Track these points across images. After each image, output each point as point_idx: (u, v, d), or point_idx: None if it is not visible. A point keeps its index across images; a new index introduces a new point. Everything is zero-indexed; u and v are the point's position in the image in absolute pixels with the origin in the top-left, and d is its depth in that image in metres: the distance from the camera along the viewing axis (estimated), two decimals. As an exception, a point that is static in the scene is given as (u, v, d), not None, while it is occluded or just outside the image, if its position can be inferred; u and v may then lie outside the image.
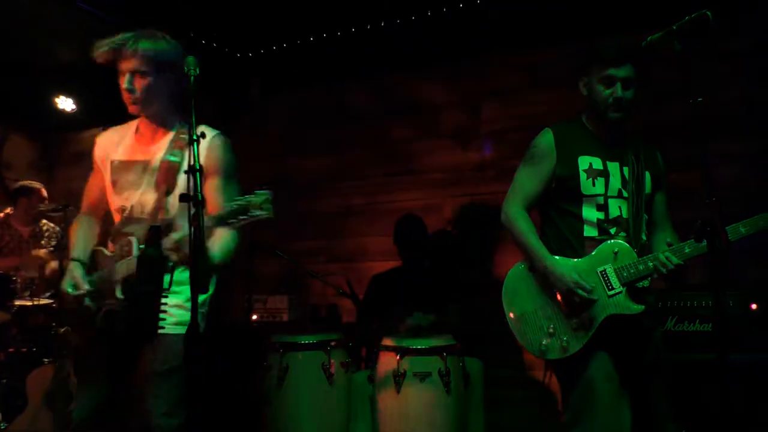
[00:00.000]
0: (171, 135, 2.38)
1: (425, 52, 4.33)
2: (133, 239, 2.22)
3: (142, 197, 2.33)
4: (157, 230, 1.89)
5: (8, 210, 4.66)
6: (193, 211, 1.83)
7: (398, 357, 3.11)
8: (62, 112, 5.09)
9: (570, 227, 2.44)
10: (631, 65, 2.38)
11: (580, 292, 2.30)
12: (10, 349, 3.87)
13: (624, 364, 2.33)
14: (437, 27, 4.07)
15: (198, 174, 1.86)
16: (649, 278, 2.36)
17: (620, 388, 2.31)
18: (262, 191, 1.96)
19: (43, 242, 4.61)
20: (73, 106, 5.08)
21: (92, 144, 2.50)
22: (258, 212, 1.93)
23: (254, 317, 4.27)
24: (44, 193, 4.72)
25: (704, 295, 2.99)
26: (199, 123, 1.98)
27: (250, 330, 4.16)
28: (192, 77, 1.99)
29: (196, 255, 1.81)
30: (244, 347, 3.95)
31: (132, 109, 2.34)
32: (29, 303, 4.08)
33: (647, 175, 2.45)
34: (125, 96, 2.33)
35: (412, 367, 3.09)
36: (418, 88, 4.52)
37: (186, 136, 2.30)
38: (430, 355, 3.12)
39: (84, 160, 5.82)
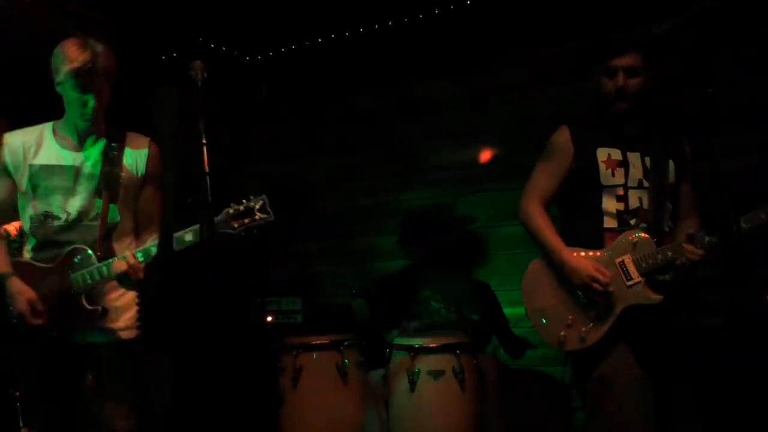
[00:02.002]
0: (102, 143, 2.36)
1: (432, 50, 4.33)
2: (86, 249, 2.22)
3: (78, 203, 2.29)
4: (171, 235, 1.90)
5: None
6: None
7: (411, 356, 3.11)
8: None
9: (590, 220, 2.44)
10: (635, 53, 2.38)
11: (595, 284, 2.30)
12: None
13: (645, 356, 2.32)
14: (444, 25, 4.07)
15: (207, 178, 1.87)
16: (673, 272, 2.34)
17: (641, 379, 2.29)
18: (257, 197, 2.01)
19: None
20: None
21: None
22: (259, 216, 1.97)
23: (268, 319, 4.29)
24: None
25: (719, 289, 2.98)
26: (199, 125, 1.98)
27: (264, 332, 4.18)
28: (199, 82, 2.01)
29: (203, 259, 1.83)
30: (258, 349, 3.96)
31: (90, 120, 2.30)
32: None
33: (670, 164, 2.44)
34: (91, 112, 2.28)
35: (426, 366, 3.09)
36: (424, 87, 4.52)
37: (115, 145, 2.33)
38: (444, 352, 3.12)
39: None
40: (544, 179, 2.53)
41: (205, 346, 1.90)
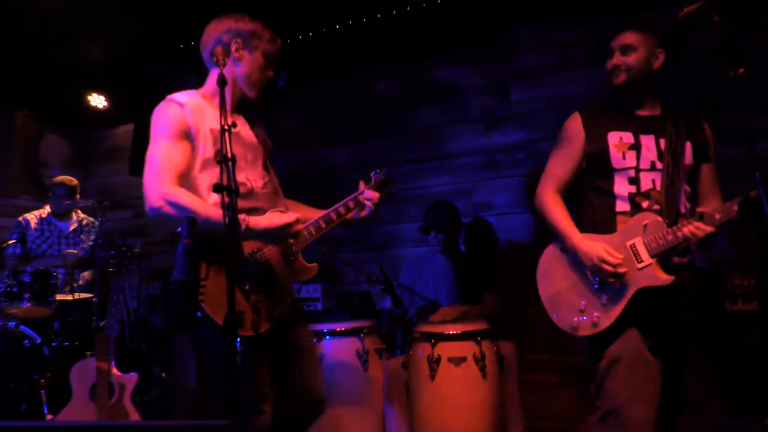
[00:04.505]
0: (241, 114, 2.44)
1: (451, 35, 4.29)
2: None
3: (247, 172, 2.34)
4: (194, 220, 1.89)
5: (47, 207, 4.76)
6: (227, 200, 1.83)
7: (432, 342, 3.11)
8: (95, 110, 5.18)
9: (603, 204, 2.45)
10: (630, 32, 2.42)
11: (606, 265, 2.29)
12: (53, 344, 3.97)
13: (658, 341, 2.31)
14: (463, 9, 4.02)
15: (230, 164, 1.86)
16: (688, 255, 2.32)
17: (649, 363, 2.29)
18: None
19: (83, 237, 4.70)
20: (105, 103, 5.17)
21: (175, 107, 2.24)
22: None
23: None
24: (78, 188, 4.81)
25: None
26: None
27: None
28: (221, 66, 2.00)
29: (230, 245, 1.82)
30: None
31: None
32: (70, 298, 4.18)
33: (689, 145, 2.42)
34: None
35: (447, 353, 3.08)
36: (444, 72, 4.48)
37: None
38: (465, 339, 3.11)
39: (118, 155, 5.92)
40: (558, 166, 2.55)
41: (226, 332, 1.91)
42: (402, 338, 3.75)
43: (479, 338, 3.09)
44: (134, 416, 3.28)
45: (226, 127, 1.88)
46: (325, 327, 3.44)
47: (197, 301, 1.97)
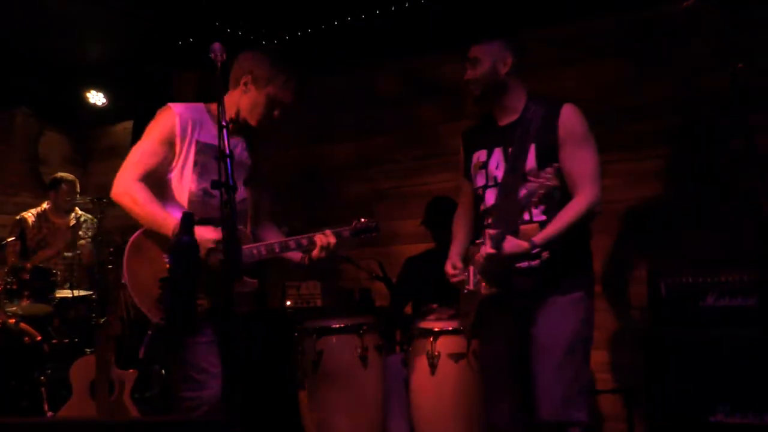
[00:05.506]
0: (243, 136, 2.54)
1: (450, 32, 4.27)
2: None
3: None
4: (191, 216, 1.90)
5: (45, 204, 4.76)
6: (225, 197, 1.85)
7: (432, 339, 3.11)
8: (93, 107, 5.17)
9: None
10: (474, 45, 2.50)
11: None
12: (54, 341, 3.97)
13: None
14: (462, 5, 4.01)
15: (228, 161, 1.87)
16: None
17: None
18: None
19: (81, 233, 4.71)
20: (104, 101, 5.16)
21: (169, 115, 2.38)
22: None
23: (288, 303, 4.30)
24: (77, 185, 4.81)
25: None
26: None
27: (284, 316, 4.20)
28: (219, 64, 2.01)
29: (229, 240, 1.83)
30: (279, 333, 3.98)
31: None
32: (69, 295, 4.18)
33: (533, 148, 2.41)
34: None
35: (447, 349, 3.08)
36: (444, 69, 4.47)
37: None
38: (464, 329, 3.10)
39: (117, 152, 5.91)
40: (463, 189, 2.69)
41: (226, 329, 1.92)
42: (401, 335, 3.74)
43: (479, 335, 3.09)
44: (133, 413, 3.29)
45: (224, 124, 1.92)
46: (324, 324, 3.44)
47: (191, 299, 1.97)
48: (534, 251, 2.25)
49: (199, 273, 2.09)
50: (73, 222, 4.72)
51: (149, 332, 2.30)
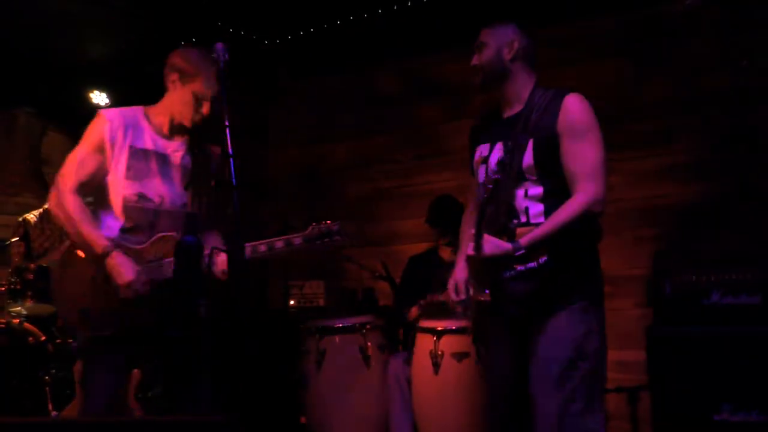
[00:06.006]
0: (187, 138, 2.45)
1: (451, 32, 4.27)
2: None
3: (163, 189, 2.36)
4: (195, 218, 1.92)
5: (47, 204, 4.76)
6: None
7: (435, 338, 3.11)
8: (97, 107, 5.17)
9: None
10: (483, 28, 2.39)
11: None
12: (57, 341, 3.97)
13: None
14: (462, 5, 4.01)
15: (231, 161, 1.88)
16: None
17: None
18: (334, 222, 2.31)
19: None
20: (107, 101, 5.16)
21: (99, 122, 2.39)
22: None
23: (291, 303, 4.31)
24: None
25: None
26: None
27: (288, 316, 4.20)
28: (222, 62, 2.02)
29: (232, 241, 1.84)
30: (282, 333, 3.99)
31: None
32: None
33: (531, 143, 2.23)
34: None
35: (450, 348, 3.09)
36: (445, 68, 4.47)
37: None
38: (468, 334, 3.10)
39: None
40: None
41: (229, 329, 1.91)
42: (404, 334, 3.75)
43: (482, 333, 3.09)
44: (137, 413, 3.29)
45: (225, 123, 1.94)
46: (327, 323, 3.45)
47: (191, 300, 1.98)
48: (518, 253, 2.09)
49: (201, 274, 2.11)
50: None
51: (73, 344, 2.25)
